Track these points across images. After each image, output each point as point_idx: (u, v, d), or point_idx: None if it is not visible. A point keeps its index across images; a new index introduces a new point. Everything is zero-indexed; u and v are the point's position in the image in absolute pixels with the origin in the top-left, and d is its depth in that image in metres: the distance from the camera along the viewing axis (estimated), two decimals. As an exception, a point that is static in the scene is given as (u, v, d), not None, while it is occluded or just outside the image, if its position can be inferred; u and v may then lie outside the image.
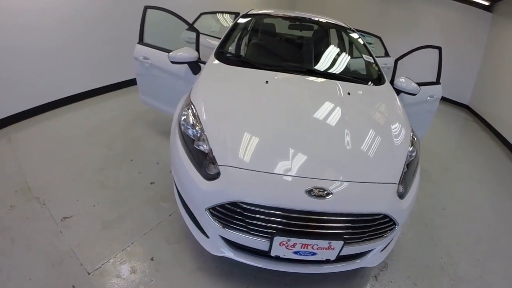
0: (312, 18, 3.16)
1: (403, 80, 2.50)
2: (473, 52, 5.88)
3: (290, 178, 1.44)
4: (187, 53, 2.46)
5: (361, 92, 2.17)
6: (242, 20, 3.04)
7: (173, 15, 2.85)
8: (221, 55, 2.47)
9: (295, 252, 1.45)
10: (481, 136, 5.16)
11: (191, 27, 2.83)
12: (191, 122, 1.70)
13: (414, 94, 2.49)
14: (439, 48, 2.83)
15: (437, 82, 2.92)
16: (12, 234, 1.97)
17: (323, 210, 1.38)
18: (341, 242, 1.42)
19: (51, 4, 3.34)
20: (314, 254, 1.46)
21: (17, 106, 3.29)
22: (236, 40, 2.58)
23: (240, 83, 2.07)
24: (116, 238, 2.04)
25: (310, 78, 2.21)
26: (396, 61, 2.96)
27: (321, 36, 3.33)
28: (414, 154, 1.77)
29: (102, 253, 1.92)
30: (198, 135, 1.62)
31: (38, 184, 2.44)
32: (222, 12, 3.90)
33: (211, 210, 1.46)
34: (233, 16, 3.79)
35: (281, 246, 1.42)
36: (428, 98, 2.91)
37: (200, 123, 1.66)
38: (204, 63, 2.47)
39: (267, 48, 2.89)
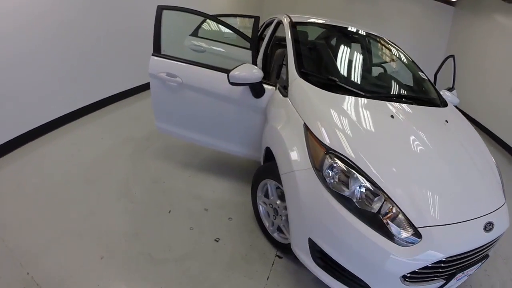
0: (356, 29, 2.75)
1: (448, 94, 2.45)
2: (437, 44, 6.37)
3: (472, 221, 1.42)
4: (251, 72, 1.90)
5: (451, 118, 2.04)
6: (288, 30, 2.40)
7: (199, 15, 2.22)
8: (308, 76, 1.92)
9: (458, 280, 1.52)
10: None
11: (242, 35, 2.20)
12: (354, 178, 1.37)
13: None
14: (453, 56, 2.89)
15: (452, 88, 2.95)
16: None
17: (491, 240, 1.45)
18: (484, 260, 1.55)
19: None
20: (467, 275, 1.55)
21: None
22: (294, 54, 2.05)
23: (368, 119, 1.69)
24: None
25: (408, 106, 1.96)
26: (435, 75, 2.88)
27: (371, 50, 2.89)
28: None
29: None
30: (365, 193, 1.36)
31: (45, 274, 1.63)
32: (235, 16, 3.29)
33: (406, 275, 1.32)
34: (246, 20, 3.23)
35: (454, 280, 1.47)
36: None
37: (368, 178, 1.36)
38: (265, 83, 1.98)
39: (344, 67, 2.43)
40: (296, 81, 1.89)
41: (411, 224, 1.29)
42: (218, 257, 1.90)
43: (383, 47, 2.68)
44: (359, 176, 1.36)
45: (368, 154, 1.43)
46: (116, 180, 2.48)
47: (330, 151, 1.43)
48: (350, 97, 1.81)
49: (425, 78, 2.47)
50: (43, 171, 2.49)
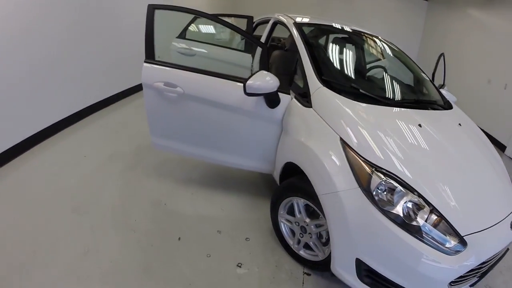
0: (357, 30, 2.62)
1: (448, 94, 2.45)
2: (412, 37, 6.57)
3: (502, 222, 1.46)
4: (266, 80, 1.70)
5: (462, 120, 2.05)
6: (295, 33, 2.18)
7: (198, 14, 1.99)
8: (331, 84, 1.80)
9: None
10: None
11: (253, 39, 1.98)
12: (401, 193, 1.35)
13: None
14: (443, 54, 2.93)
15: (443, 85, 3.00)
16: None
17: None
18: (505, 253, 1.59)
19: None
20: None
21: None
22: (310, 61, 1.85)
23: (402, 131, 1.64)
24: None
25: (426, 112, 1.95)
26: (433, 75, 2.88)
27: (382, 54, 2.75)
28: None
29: None
30: (411, 208, 1.33)
31: None
32: (229, 16, 3.04)
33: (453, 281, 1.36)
34: (232, 19, 3.00)
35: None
36: None
37: (416, 192, 1.35)
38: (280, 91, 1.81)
39: (362, 73, 2.32)
40: (320, 91, 1.76)
41: (456, 233, 1.32)
42: (245, 284, 1.72)
43: (389, 49, 2.57)
44: (408, 192, 1.35)
45: (411, 168, 1.42)
46: (110, 207, 2.18)
47: (377, 169, 1.39)
48: (377, 106, 1.74)
49: (428, 79, 2.43)
50: (19, 202, 2.12)
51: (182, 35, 2.94)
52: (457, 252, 1.30)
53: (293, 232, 1.88)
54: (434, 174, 1.46)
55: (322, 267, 1.72)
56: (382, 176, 1.36)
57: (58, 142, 2.95)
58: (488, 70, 4.32)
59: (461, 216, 1.36)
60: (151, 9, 1.95)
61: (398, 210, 1.32)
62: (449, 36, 5.55)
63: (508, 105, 3.91)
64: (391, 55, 2.54)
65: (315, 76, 1.81)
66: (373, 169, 1.39)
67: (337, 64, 2.24)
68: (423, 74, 2.44)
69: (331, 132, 1.57)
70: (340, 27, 2.55)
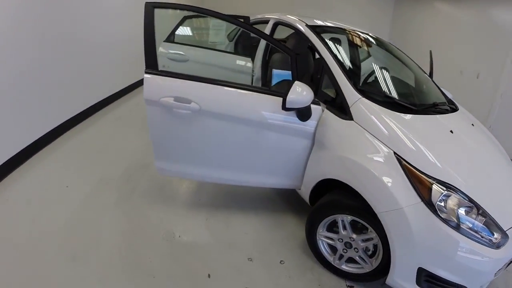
0: (365, 33, 2.53)
1: (447, 92, 2.48)
2: (380, 30, 6.75)
3: None
4: (303, 93, 1.55)
5: (472, 120, 2.12)
6: (314, 39, 1.99)
7: (204, 13, 1.73)
8: (369, 95, 1.73)
9: None
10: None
11: (282, 46, 1.75)
12: (459, 202, 1.41)
13: None
14: (430, 51, 3.03)
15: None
16: None
17: None
18: None
19: None
20: None
21: None
22: (341, 70, 1.75)
23: (443, 139, 1.71)
24: None
25: (448, 116, 1.96)
26: (430, 75, 2.90)
27: (398, 59, 2.65)
28: None
29: None
30: (464, 212, 1.42)
31: None
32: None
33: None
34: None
35: None
36: None
37: (470, 199, 1.42)
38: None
39: (385, 80, 2.21)
40: (360, 103, 1.67)
41: (500, 229, 1.43)
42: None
43: (398, 53, 2.51)
44: (463, 199, 1.42)
45: (461, 175, 1.49)
46: (115, 249, 1.84)
47: (437, 181, 1.42)
48: (415, 116, 1.75)
49: (433, 81, 2.43)
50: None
51: (170, 39, 2.61)
52: (502, 245, 1.41)
53: (332, 248, 1.82)
54: (477, 178, 1.56)
55: (369, 278, 1.73)
56: (443, 188, 1.41)
57: (31, 172, 2.47)
58: (459, 62, 4.58)
59: (501, 213, 1.47)
60: (150, 7, 1.65)
61: (455, 216, 1.39)
62: (413, 30, 5.82)
63: (482, 93, 4.17)
64: (402, 59, 2.48)
65: (351, 87, 1.71)
66: (433, 181, 1.42)
67: (364, 71, 2.16)
68: (428, 76, 2.43)
69: (382, 147, 1.54)
70: (352, 30, 2.44)
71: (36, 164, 2.59)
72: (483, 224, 1.40)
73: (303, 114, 1.66)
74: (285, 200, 2.45)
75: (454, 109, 2.10)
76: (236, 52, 3.16)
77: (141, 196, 2.33)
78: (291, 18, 2.29)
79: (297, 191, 2.09)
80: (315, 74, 1.99)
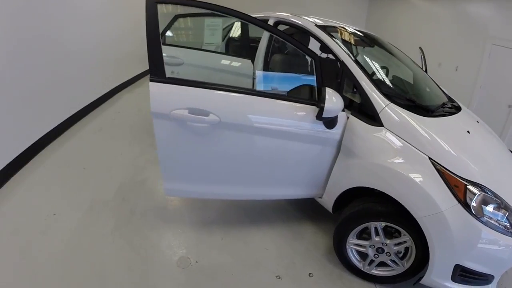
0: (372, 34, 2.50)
1: (444, 89, 2.52)
2: (355, 26, 6.86)
3: None
4: (335, 101, 1.47)
5: (476, 118, 2.16)
6: (329, 42, 1.87)
7: (212, 9, 1.53)
8: (396, 100, 1.69)
9: None
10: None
11: (305, 49, 1.60)
12: (491, 201, 1.48)
13: None
14: (420, 48, 3.17)
15: None
16: None
17: None
18: None
19: None
20: None
21: None
22: (365, 75, 1.68)
23: (466, 141, 1.75)
24: None
25: (457, 115, 1.98)
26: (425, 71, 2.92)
27: (404, 60, 2.59)
28: None
29: None
30: (494, 209, 1.48)
31: None
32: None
33: None
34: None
35: None
36: None
37: (498, 197, 1.48)
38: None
39: (403, 83, 2.19)
40: (389, 109, 1.62)
41: None
42: None
43: (397, 53, 2.47)
44: (493, 198, 1.47)
45: (488, 174, 1.55)
46: (123, 282, 1.61)
47: (470, 184, 1.46)
48: (436, 119, 1.76)
49: (435, 82, 2.43)
50: None
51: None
52: None
53: (361, 255, 1.80)
54: (496, 174, 1.63)
55: (400, 279, 1.76)
56: (476, 189, 1.46)
57: (10, 198, 2.13)
58: (437, 55, 4.75)
59: None
60: (153, 3, 1.43)
61: (486, 213, 1.46)
62: (389, 25, 5.97)
63: (460, 84, 4.36)
64: (402, 59, 2.44)
65: (378, 92, 1.64)
66: (467, 183, 1.47)
67: (385, 75, 2.10)
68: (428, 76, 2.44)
69: (417, 152, 1.53)
70: (359, 31, 2.38)
71: (14, 188, 2.24)
72: (506, 217, 1.49)
73: (332, 122, 1.56)
74: (297, 208, 2.34)
75: (457, 107, 2.11)
76: (228, 52, 2.97)
77: (141, 219, 2.09)
78: (296, 17, 2.16)
79: (316, 199, 1.99)
80: (335, 78, 1.89)
